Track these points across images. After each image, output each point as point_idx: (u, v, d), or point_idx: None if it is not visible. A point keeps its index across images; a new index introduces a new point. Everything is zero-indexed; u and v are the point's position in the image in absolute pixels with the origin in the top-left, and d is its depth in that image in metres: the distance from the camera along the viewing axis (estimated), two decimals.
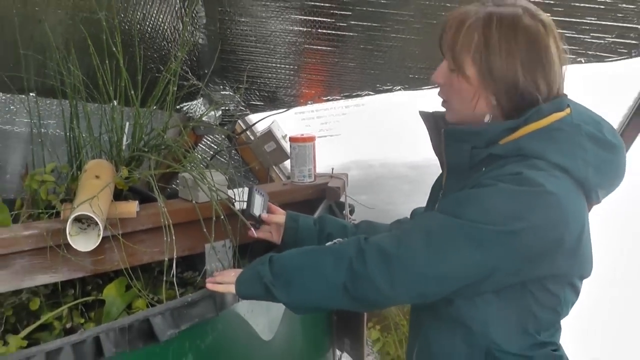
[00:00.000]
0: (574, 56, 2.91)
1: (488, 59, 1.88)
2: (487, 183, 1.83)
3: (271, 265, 2.06)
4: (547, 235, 1.79)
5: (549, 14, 1.94)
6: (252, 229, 2.54)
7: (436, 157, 2.15)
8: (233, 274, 2.20)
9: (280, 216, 2.56)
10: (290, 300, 2.06)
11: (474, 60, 1.90)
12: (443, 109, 2.10)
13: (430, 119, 2.11)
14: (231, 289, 2.18)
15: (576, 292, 1.98)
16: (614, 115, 3.14)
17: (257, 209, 2.52)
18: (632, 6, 2.75)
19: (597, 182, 1.91)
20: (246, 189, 2.64)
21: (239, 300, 2.28)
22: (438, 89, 2.06)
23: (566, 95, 1.95)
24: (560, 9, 2.80)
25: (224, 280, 2.22)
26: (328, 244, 2.14)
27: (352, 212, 3.07)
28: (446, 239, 1.85)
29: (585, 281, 2.01)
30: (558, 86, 1.94)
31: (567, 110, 1.91)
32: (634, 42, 2.85)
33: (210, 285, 2.24)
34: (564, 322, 2.06)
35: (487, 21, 1.89)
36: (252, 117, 3.62)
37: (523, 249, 1.80)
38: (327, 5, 3.02)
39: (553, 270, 1.88)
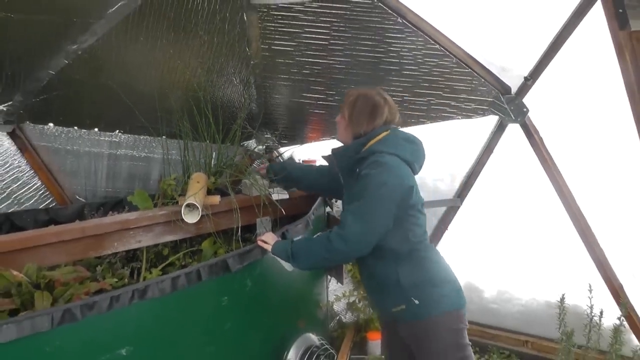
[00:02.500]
0: (455, 115, 2.99)
1: (355, 114, 2.20)
2: (364, 175, 2.06)
3: (291, 246, 2.15)
4: (401, 188, 2.05)
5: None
6: None
7: None
8: (271, 238, 2.26)
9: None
10: (299, 266, 2.16)
11: (349, 114, 2.21)
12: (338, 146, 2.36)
13: (332, 154, 2.33)
14: (269, 248, 2.23)
15: (423, 213, 2.18)
16: (476, 141, 3.24)
17: None
18: (484, 88, 2.83)
19: (413, 160, 2.16)
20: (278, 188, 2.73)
21: None
22: None
23: (390, 125, 2.22)
24: (447, 89, 2.87)
25: (267, 240, 2.26)
26: (314, 236, 2.22)
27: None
28: (363, 213, 2.02)
29: None
30: (386, 121, 2.21)
31: (388, 131, 2.16)
32: (485, 107, 2.90)
33: (259, 243, 2.28)
34: None
35: (357, 95, 2.22)
36: (282, 149, 3.60)
37: (394, 196, 2.03)
38: (320, 88, 3.05)
39: (411, 202, 2.09)
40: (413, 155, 2.16)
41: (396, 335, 2.23)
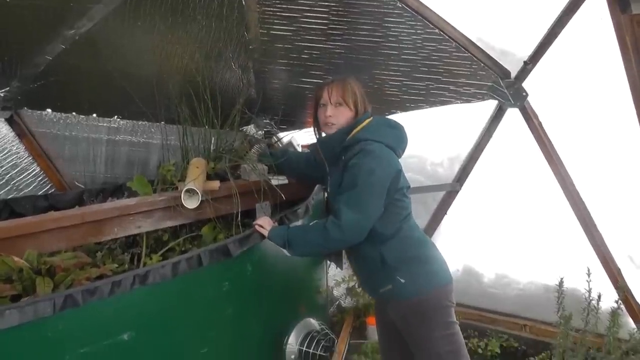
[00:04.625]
0: (454, 99, 2.99)
1: (360, 98, 2.23)
2: (352, 165, 2.10)
3: (287, 233, 2.17)
4: (390, 174, 2.09)
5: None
6: None
7: None
8: (267, 223, 2.28)
9: None
10: (294, 253, 2.18)
11: (353, 100, 2.21)
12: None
13: (317, 145, 2.37)
14: (266, 234, 2.25)
15: (407, 196, 2.21)
16: (476, 126, 3.26)
17: None
18: (484, 72, 2.82)
19: (396, 145, 2.20)
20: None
21: None
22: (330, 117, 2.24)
23: (369, 112, 2.27)
24: (446, 74, 2.86)
25: (263, 225, 2.28)
26: (310, 224, 2.22)
27: None
28: (356, 201, 2.04)
29: None
30: (367, 108, 2.27)
31: (371, 118, 2.21)
32: (484, 92, 2.91)
33: (256, 227, 2.30)
34: None
35: (351, 81, 2.25)
36: (281, 134, 3.61)
37: (384, 183, 2.07)
38: (319, 73, 3.03)
39: (398, 186, 2.13)
40: (396, 141, 2.21)
41: (388, 320, 2.26)
